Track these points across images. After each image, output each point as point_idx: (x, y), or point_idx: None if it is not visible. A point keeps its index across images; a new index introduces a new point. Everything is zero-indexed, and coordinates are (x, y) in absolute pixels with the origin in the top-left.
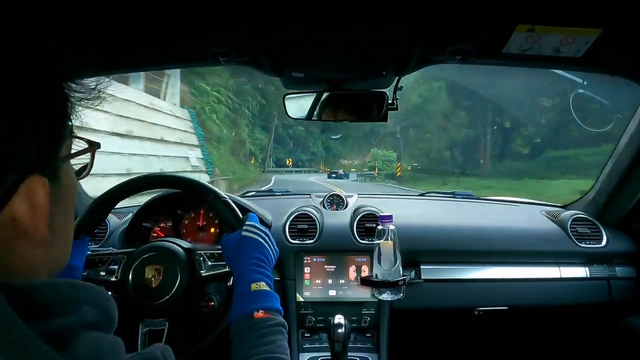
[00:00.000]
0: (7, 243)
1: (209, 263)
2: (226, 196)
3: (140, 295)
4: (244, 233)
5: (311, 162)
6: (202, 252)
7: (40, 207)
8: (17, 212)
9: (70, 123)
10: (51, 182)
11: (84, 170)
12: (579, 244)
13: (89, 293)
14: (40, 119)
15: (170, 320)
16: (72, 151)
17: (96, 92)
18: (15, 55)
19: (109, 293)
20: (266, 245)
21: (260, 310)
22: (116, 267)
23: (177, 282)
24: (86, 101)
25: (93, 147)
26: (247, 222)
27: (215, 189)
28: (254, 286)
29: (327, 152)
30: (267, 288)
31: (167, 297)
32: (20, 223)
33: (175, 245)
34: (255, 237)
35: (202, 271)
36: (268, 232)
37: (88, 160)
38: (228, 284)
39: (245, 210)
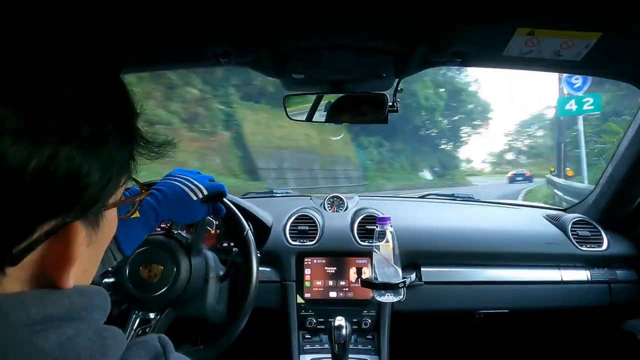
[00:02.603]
0: (24, 284)
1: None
2: (240, 211)
3: (136, 289)
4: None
5: None
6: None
7: (73, 257)
8: (47, 257)
9: (128, 173)
10: (90, 228)
11: (127, 212)
12: (579, 247)
13: (97, 298)
14: (95, 168)
15: (162, 312)
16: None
17: (162, 148)
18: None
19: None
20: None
21: None
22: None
23: (173, 275)
24: (150, 155)
25: (143, 193)
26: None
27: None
28: None
29: None
30: None
31: (164, 289)
32: (45, 270)
33: (169, 239)
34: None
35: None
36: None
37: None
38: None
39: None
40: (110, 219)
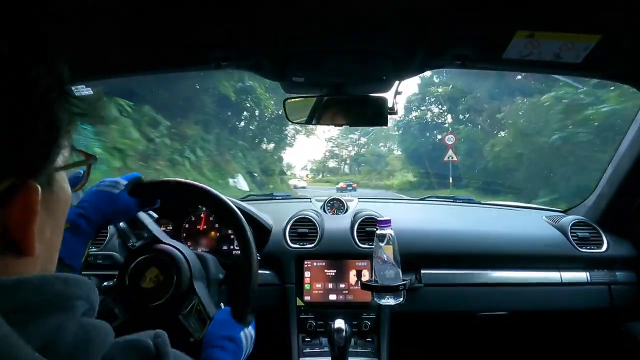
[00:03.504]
0: None
1: (220, 275)
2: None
3: (135, 296)
4: (241, 335)
5: None
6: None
7: (33, 214)
8: (8, 219)
9: (68, 133)
10: (45, 191)
11: (79, 183)
12: (579, 248)
13: (82, 287)
14: (39, 123)
15: (160, 324)
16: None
17: (97, 108)
18: (15, 59)
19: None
20: (245, 353)
21: None
22: (115, 268)
23: (173, 286)
24: (86, 117)
25: (90, 159)
26: (250, 328)
27: (253, 248)
28: None
29: None
30: None
31: (162, 300)
32: (11, 231)
33: (174, 249)
34: (245, 345)
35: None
36: (253, 339)
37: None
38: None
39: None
40: (63, 185)
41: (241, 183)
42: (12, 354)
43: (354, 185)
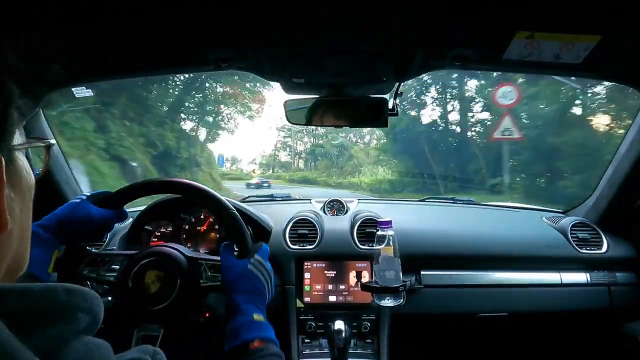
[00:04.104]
0: None
1: (209, 273)
2: (240, 215)
3: (138, 299)
4: (249, 266)
5: None
6: (204, 261)
7: (2, 180)
8: None
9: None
10: (7, 166)
11: (41, 171)
12: (579, 249)
13: (85, 299)
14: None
15: (165, 327)
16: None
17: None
18: None
19: (109, 298)
20: (266, 285)
21: (257, 340)
22: (117, 267)
23: (176, 290)
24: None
25: (43, 140)
26: (255, 257)
27: (230, 204)
28: (255, 316)
29: None
30: (264, 320)
31: (165, 303)
32: None
33: (176, 252)
34: (259, 274)
35: (201, 281)
36: (271, 273)
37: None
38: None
39: (245, 216)
40: (25, 167)
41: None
42: (14, 358)
43: (270, 181)
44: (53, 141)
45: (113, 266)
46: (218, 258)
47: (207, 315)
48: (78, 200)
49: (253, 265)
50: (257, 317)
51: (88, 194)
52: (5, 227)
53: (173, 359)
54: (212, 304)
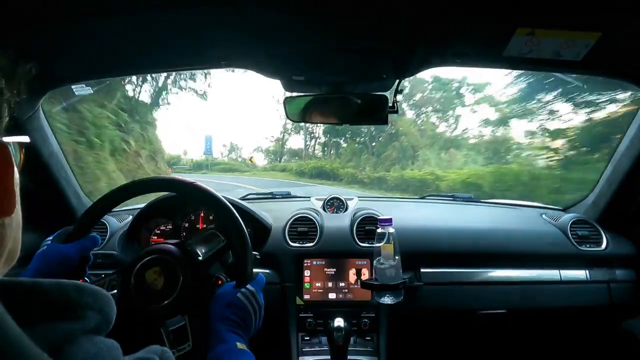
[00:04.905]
0: None
1: (203, 249)
2: (240, 214)
3: (146, 300)
4: (239, 295)
5: None
6: (192, 241)
7: (10, 166)
8: None
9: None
10: None
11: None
12: (579, 247)
13: (95, 298)
14: None
15: (187, 313)
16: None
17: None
18: None
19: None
20: (254, 317)
21: None
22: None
23: (180, 275)
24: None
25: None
26: (248, 286)
27: (238, 219)
28: (238, 345)
29: None
30: (246, 349)
31: (176, 292)
32: None
33: (167, 245)
34: (248, 305)
35: (199, 257)
36: (262, 305)
37: None
38: (229, 261)
39: (245, 214)
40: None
41: None
42: (24, 354)
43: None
44: (27, 139)
45: (111, 277)
46: (208, 229)
47: (219, 282)
48: (44, 247)
49: (243, 294)
50: (241, 345)
51: (50, 238)
52: (14, 208)
53: None
54: (216, 272)
